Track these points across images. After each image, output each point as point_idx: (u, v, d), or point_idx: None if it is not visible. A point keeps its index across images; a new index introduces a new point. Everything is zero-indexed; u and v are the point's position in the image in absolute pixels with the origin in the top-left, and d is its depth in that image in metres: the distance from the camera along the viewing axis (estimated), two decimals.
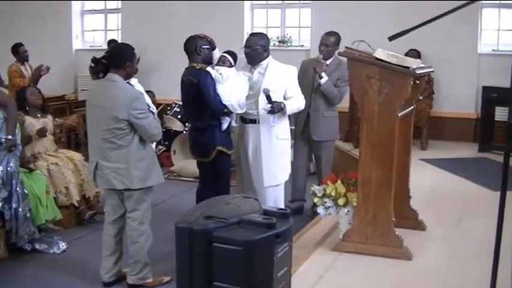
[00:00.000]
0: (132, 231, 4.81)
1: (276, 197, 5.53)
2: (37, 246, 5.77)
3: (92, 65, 5.06)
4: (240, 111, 5.48)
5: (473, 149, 8.55)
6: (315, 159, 6.94)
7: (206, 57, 5.52)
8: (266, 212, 2.95)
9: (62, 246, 5.83)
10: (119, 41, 11.41)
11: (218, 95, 5.36)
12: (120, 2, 12.16)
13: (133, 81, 4.84)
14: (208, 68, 5.46)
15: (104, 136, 4.59)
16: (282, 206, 5.55)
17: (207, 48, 5.50)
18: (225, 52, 5.66)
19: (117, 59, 4.70)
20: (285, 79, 5.43)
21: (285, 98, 5.38)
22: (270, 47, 5.60)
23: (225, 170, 5.66)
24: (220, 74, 5.44)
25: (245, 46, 5.46)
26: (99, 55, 10.26)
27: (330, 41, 6.62)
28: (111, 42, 10.77)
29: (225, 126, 5.53)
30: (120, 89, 4.60)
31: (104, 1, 12.58)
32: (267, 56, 5.46)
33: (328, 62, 6.55)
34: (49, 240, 5.88)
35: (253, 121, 5.44)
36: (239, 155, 5.66)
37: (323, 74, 6.37)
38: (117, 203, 4.86)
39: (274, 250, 2.73)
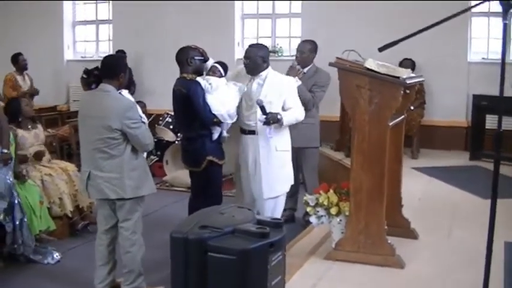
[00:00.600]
0: (124, 241, 4.82)
1: (273, 208, 5.52)
2: (32, 256, 5.78)
3: (84, 76, 5.09)
4: (229, 121, 5.51)
5: (464, 157, 8.60)
6: (298, 167, 6.80)
7: (197, 68, 5.56)
8: (260, 222, 2.99)
9: (56, 256, 5.85)
10: (110, 52, 11.49)
11: (208, 104, 5.39)
12: (111, 12, 12.18)
13: (124, 92, 4.87)
14: (198, 78, 5.49)
15: (96, 146, 4.59)
16: (279, 216, 5.53)
17: (199, 59, 5.54)
18: (216, 62, 5.70)
19: (110, 69, 4.73)
20: (283, 90, 5.38)
21: (284, 109, 5.35)
22: None
23: (216, 179, 5.67)
24: (210, 84, 5.47)
25: (244, 57, 5.47)
26: (90, 66, 10.38)
27: (306, 49, 6.67)
28: (119, 53, 10.88)
29: (215, 136, 5.55)
30: (113, 98, 4.62)
31: (95, 4, 12.60)
32: (267, 67, 5.45)
33: (305, 69, 6.54)
34: (43, 250, 5.89)
35: (252, 132, 5.42)
36: (239, 166, 5.66)
37: (296, 79, 6.32)
38: (109, 213, 4.86)
39: (268, 259, 2.76)
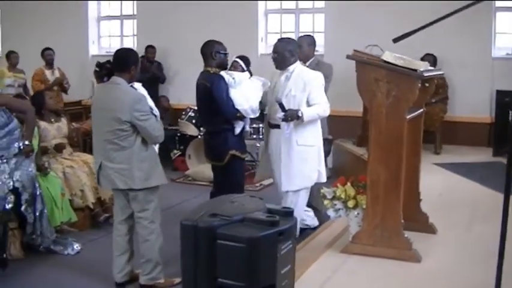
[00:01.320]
0: (142, 229, 4.87)
1: (295, 203, 5.48)
2: (52, 247, 5.84)
3: (97, 69, 5.17)
4: (252, 116, 5.54)
5: (488, 154, 8.50)
6: None
7: (221, 62, 5.61)
8: (270, 210, 2.99)
9: (77, 247, 5.90)
10: (135, 47, 11.57)
11: (231, 99, 5.42)
12: (135, 8, 12.25)
13: (137, 85, 4.94)
14: (222, 72, 5.52)
15: (107, 137, 4.68)
16: (301, 211, 5.61)
17: (223, 54, 5.58)
18: (238, 57, 5.72)
19: (121, 62, 4.79)
20: (307, 84, 5.36)
21: (308, 104, 5.35)
22: None
23: (238, 173, 5.74)
24: (233, 78, 5.50)
25: (272, 51, 5.52)
26: None
27: (304, 43, 6.59)
28: (150, 48, 11.17)
29: (237, 130, 5.58)
30: (123, 91, 4.69)
31: (119, 1, 12.70)
32: (295, 61, 5.47)
33: (307, 63, 6.45)
34: (64, 241, 5.95)
35: (278, 126, 5.46)
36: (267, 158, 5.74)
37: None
38: (125, 204, 4.93)
39: (278, 247, 2.77)
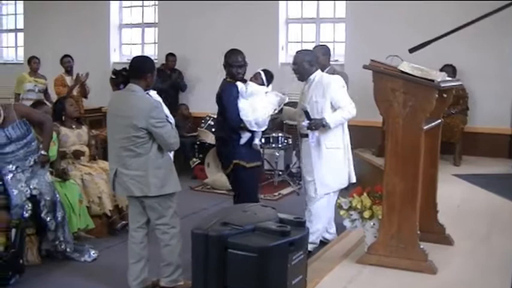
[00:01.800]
0: (163, 235, 4.93)
1: (326, 206, 5.78)
2: (69, 253, 5.88)
3: (113, 76, 5.24)
4: (255, 128, 5.64)
5: (508, 165, 8.43)
6: None
7: (230, 73, 5.77)
8: (282, 220, 2.99)
9: (93, 254, 5.95)
10: (156, 55, 11.63)
11: (238, 108, 5.47)
12: (157, 16, 12.31)
13: (152, 92, 5.00)
14: (238, 83, 5.56)
15: (123, 144, 4.72)
16: (332, 213, 5.83)
17: (234, 65, 5.68)
18: (262, 70, 5.77)
19: (137, 70, 4.84)
20: (327, 90, 5.53)
21: (334, 108, 5.52)
22: None
23: (244, 182, 5.77)
24: (246, 88, 5.53)
25: (292, 63, 5.72)
26: None
27: (319, 53, 6.66)
28: (170, 56, 11.19)
29: (243, 140, 5.65)
30: (139, 98, 4.75)
31: (141, 7, 12.76)
32: (315, 70, 5.66)
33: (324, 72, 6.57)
34: (81, 248, 5.99)
35: (306, 135, 5.65)
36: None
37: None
38: (140, 211, 4.97)
39: (289, 258, 2.76)
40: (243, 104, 5.52)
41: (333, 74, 6.54)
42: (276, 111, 5.78)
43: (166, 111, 4.94)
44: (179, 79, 11.22)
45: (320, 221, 5.79)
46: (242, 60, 5.68)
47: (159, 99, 5.00)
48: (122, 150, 4.74)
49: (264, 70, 5.82)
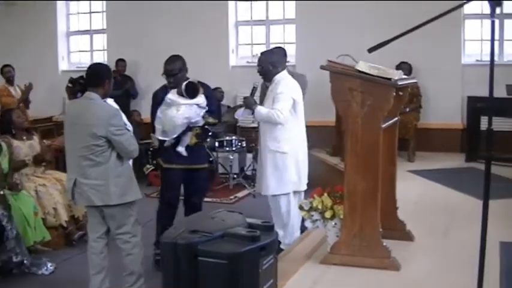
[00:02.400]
0: (125, 244, 4.86)
1: (277, 209, 5.83)
2: (25, 267, 5.74)
3: (70, 85, 5.18)
4: (161, 137, 5.85)
5: (461, 159, 8.58)
6: None
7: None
8: (251, 225, 2.97)
9: (50, 267, 5.82)
10: (105, 61, 11.48)
11: (155, 114, 5.82)
12: (105, 22, 12.16)
13: (109, 100, 4.94)
14: (171, 90, 5.78)
15: (82, 153, 4.65)
16: (279, 216, 5.79)
17: (165, 74, 5.91)
18: (187, 82, 5.71)
19: (95, 78, 4.80)
20: (275, 90, 5.59)
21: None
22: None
23: (163, 180, 6.18)
24: (167, 98, 5.74)
25: (257, 65, 5.78)
26: None
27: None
28: (120, 61, 11.21)
29: (166, 143, 5.90)
30: (98, 106, 4.69)
31: (90, 3, 12.58)
32: (281, 71, 5.72)
33: None
34: (37, 261, 5.85)
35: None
36: None
37: None
38: (99, 220, 4.88)
39: (260, 262, 2.74)
40: (158, 112, 5.76)
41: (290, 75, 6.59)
42: (192, 125, 5.84)
43: (124, 118, 4.89)
44: (130, 87, 11.10)
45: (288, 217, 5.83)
46: (175, 69, 5.78)
47: (117, 106, 4.94)
48: (81, 160, 4.67)
49: (189, 82, 5.75)
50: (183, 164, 5.91)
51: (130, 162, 5.03)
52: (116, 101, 5.08)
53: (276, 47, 7.13)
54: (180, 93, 5.68)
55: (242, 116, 5.76)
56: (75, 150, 4.71)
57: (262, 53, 5.89)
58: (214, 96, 6.58)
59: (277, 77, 5.69)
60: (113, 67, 10.77)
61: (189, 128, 5.78)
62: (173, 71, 5.74)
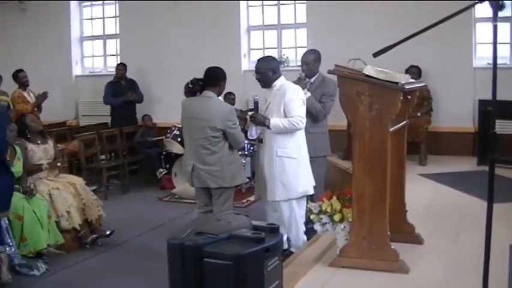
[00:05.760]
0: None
1: (287, 215, 5.77)
2: (17, 268, 5.81)
3: (190, 85, 5.64)
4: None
5: (472, 163, 8.54)
6: None
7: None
8: (256, 227, 3.00)
9: (42, 268, 5.89)
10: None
11: None
12: (118, 27, 12.24)
13: (219, 98, 5.79)
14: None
15: (201, 143, 5.57)
16: (285, 222, 5.74)
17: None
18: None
19: (213, 78, 5.64)
20: (282, 98, 5.54)
21: (285, 116, 5.52)
22: None
23: None
24: None
25: (255, 72, 5.77)
26: (98, 81, 10.61)
27: (309, 59, 6.70)
28: (120, 65, 11.10)
29: None
30: (216, 103, 5.61)
31: (103, 9, 12.69)
32: (279, 77, 5.71)
33: (312, 79, 6.63)
34: (29, 263, 5.89)
35: (261, 140, 5.79)
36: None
37: (305, 91, 6.37)
38: (205, 200, 5.86)
39: (264, 264, 2.78)
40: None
41: (323, 81, 6.64)
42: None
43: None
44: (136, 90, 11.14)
45: (294, 223, 5.82)
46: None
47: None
48: (199, 149, 5.59)
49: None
50: None
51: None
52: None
53: (311, 50, 7.14)
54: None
55: (256, 134, 5.77)
56: (195, 140, 5.63)
57: (259, 60, 5.83)
58: None
59: (278, 82, 5.67)
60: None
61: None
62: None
